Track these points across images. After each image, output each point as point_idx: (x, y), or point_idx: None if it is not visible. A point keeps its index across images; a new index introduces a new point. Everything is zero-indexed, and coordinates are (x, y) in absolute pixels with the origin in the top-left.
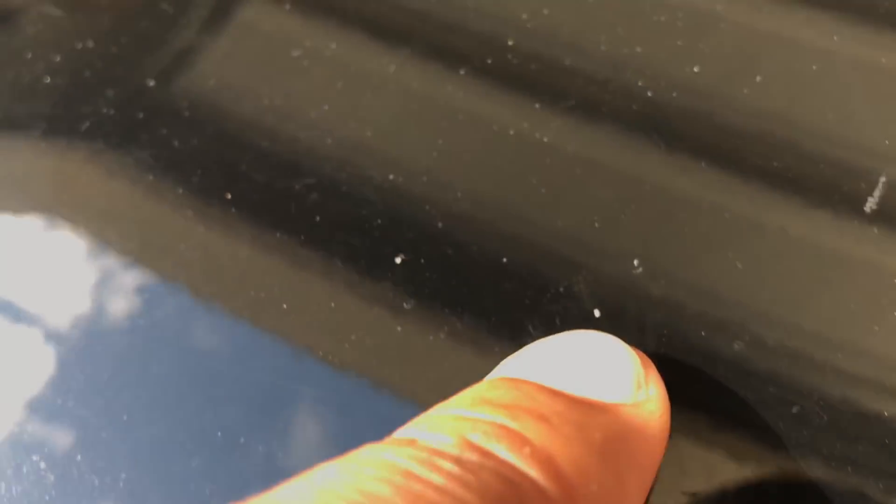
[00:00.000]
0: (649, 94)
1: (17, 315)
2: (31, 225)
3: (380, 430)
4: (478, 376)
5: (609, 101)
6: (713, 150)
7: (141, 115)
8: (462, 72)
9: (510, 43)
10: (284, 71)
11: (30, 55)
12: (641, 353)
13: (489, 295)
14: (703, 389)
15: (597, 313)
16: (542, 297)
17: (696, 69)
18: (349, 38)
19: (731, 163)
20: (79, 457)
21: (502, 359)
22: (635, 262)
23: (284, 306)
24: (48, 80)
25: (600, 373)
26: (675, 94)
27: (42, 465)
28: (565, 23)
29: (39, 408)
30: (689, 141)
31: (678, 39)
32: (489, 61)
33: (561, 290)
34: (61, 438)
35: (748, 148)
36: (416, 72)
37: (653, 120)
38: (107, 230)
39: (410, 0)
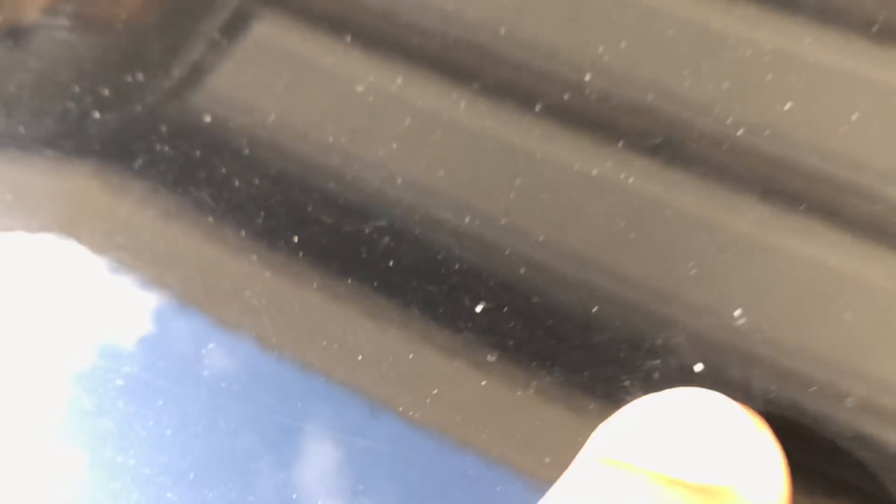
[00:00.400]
0: (739, 133)
1: (81, 365)
2: (82, 267)
3: (465, 493)
4: (571, 437)
5: (697, 140)
6: (811, 194)
7: (198, 153)
8: (537, 108)
9: (587, 78)
10: (348, 107)
11: (77, 89)
12: (757, 414)
13: (579, 347)
14: (814, 451)
15: (698, 368)
16: (637, 350)
17: (787, 106)
18: (415, 72)
19: (831, 209)
20: None
21: (597, 418)
22: (736, 314)
23: (359, 358)
24: (97, 115)
25: (717, 448)
26: (766, 133)
27: None
28: (645, 57)
29: (100, 465)
30: (784, 184)
31: (767, 74)
32: (566, 97)
33: (658, 342)
34: (123, 498)
35: (848, 193)
36: (489, 107)
37: (745, 160)
38: (165, 275)
39: (479, 34)
